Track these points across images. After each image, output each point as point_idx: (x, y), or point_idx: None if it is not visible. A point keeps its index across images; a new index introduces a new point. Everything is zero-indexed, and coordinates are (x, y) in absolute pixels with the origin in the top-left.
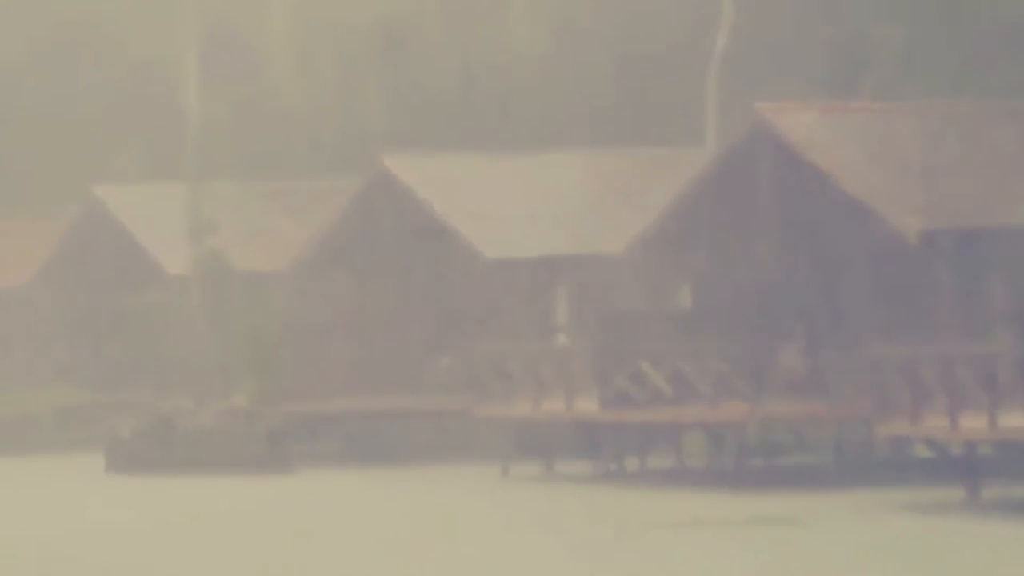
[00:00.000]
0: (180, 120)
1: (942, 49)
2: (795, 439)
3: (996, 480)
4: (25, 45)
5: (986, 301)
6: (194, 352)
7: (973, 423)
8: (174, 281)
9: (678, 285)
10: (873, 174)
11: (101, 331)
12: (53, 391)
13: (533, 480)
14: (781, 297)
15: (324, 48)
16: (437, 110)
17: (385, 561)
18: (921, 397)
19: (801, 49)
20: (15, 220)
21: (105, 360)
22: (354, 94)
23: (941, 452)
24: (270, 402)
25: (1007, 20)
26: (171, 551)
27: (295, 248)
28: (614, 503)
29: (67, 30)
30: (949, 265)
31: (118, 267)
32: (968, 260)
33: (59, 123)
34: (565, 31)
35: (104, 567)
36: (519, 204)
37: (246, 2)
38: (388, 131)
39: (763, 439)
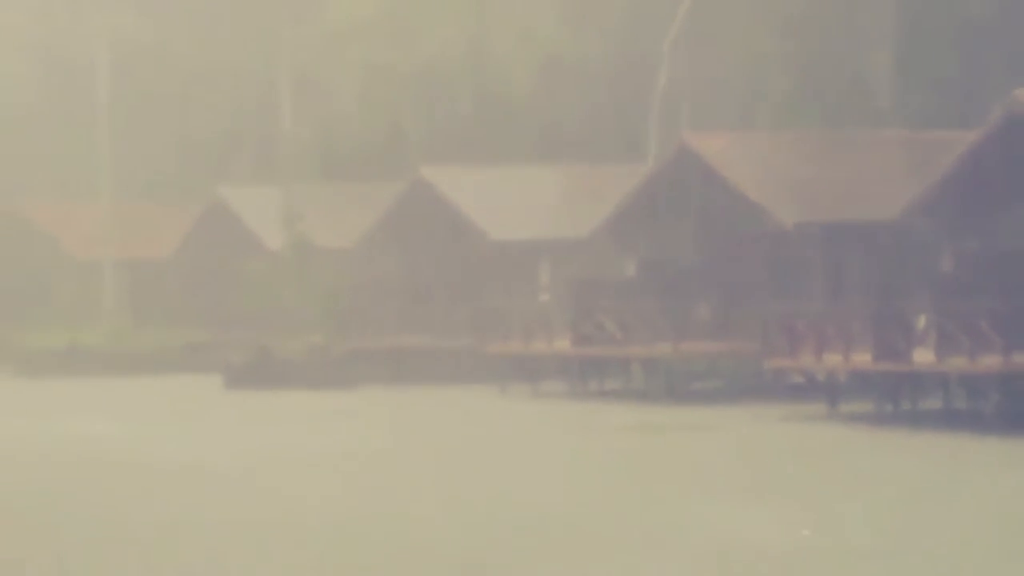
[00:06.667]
0: (278, 139)
1: (825, 87)
2: (707, 369)
3: (849, 399)
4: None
5: (844, 274)
6: (286, 304)
7: (833, 359)
8: (273, 254)
9: (626, 261)
10: (766, 183)
11: (220, 289)
12: (185, 330)
13: (523, 396)
14: (698, 271)
15: (377, 84)
16: (457, 131)
17: (421, 438)
18: (796, 341)
19: (725, 87)
20: (167, 207)
21: (223, 309)
22: (400, 119)
23: (810, 379)
24: (339, 340)
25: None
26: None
27: (359, 232)
28: (581, 413)
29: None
30: (817, 247)
31: (232, 245)
32: (831, 244)
33: (190, 144)
34: (549, 68)
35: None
36: (516, 201)
37: (319, 49)
38: (424, 146)
39: (684, 368)
